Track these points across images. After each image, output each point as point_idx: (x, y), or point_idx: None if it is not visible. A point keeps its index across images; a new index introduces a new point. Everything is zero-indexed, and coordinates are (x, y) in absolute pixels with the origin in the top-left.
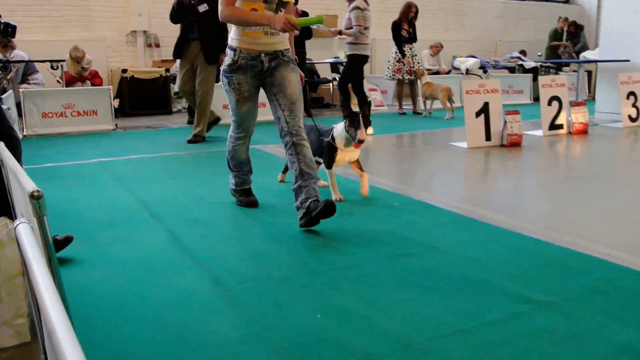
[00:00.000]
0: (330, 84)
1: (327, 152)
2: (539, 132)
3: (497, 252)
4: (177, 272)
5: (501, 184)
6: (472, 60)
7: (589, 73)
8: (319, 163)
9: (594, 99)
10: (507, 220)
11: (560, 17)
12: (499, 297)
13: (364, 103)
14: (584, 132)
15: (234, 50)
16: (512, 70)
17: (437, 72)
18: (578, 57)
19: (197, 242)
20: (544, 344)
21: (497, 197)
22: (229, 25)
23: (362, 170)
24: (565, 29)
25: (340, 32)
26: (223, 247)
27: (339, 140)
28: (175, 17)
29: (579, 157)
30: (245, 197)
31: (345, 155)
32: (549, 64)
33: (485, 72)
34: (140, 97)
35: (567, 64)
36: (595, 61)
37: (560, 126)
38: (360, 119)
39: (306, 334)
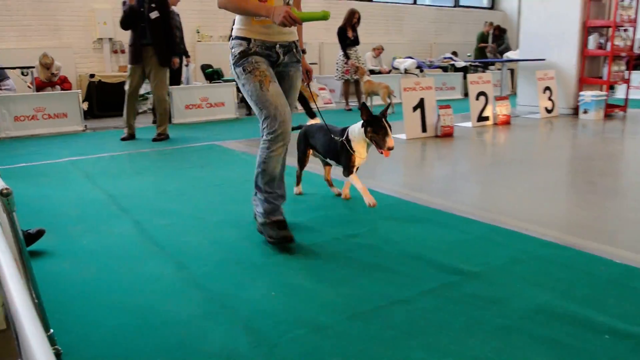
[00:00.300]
0: None
1: (345, 157)
2: (469, 124)
3: (432, 230)
4: (144, 259)
5: (436, 170)
6: (410, 60)
7: (512, 71)
8: (327, 164)
9: (515, 93)
10: (441, 202)
11: (486, 22)
12: (432, 270)
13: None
14: (507, 122)
15: (247, 39)
16: (445, 69)
17: (380, 72)
18: (502, 57)
19: (162, 231)
20: (470, 309)
21: (432, 181)
22: (232, 15)
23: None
24: (491, 32)
25: None
26: (186, 235)
27: (356, 144)
28: (126, 23)
29: (503, 145)
30: (277, 231)
31: (360, 159)
32: (477, 64)
33: (421, 71)
34: (107, 100)
35: (493, 63)
36: (516, 60)
37: (487, 118)
38: (386, 124)
39: (261, 309)
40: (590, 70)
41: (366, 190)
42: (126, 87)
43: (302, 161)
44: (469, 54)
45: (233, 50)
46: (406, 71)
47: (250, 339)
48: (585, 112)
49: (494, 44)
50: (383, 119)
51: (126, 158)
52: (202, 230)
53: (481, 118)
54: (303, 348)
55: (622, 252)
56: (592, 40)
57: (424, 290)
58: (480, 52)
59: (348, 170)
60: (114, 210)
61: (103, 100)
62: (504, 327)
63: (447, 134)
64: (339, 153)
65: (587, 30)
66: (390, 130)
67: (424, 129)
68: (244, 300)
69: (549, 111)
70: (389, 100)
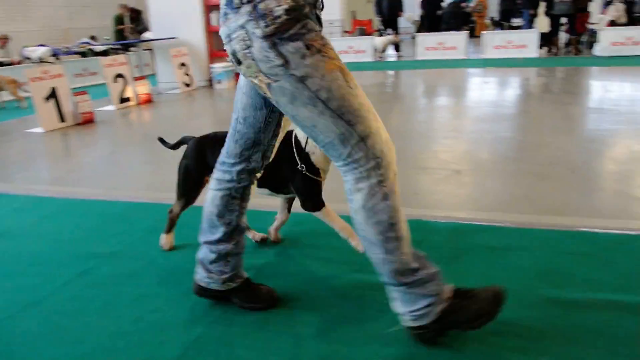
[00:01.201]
0: None
1: (306, 182)
2: (112, 107)
3: (66, 220)
4: None
5: (79, 158)
6: (43, 48)
7: (152, 50)
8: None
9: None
10: (81, 190)
11: (119, 4)
12: (68, 261)
13: None
14: (149, 101)
15: None
16: (84, 54)
17: (10, 63)
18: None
19: None
20: (108, 288)
21: (74, 171)
22: None
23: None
24: (127, 14)
25: None
26: None
27: (318, 157)
28: None
29: (146, 123)
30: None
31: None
32: (116, 46)
33: (58, 58)
34: None
35: (134, 44)
36: (150, 40)
37: (128, 99)
38: None
39: None
40: (218, 44)
41: (351, 229)
42: None
43: (191, 195)
44: (107, 37)
45: (268, 2)
46: (42, 60)
47: None
48: (219, 82)
49: (132, 25)
50: None
51: None
52: None
53: (123, 99)
54: None
55: None
56: (215, 17)
57: (60, 284)
58: (119, 35)
59: (314, 201)
60: None
61: None
62: (139, 296)
63: (87, 120)
64: (299, 181)
65: (208, 8)
66: None
67: (62, 119)
68: None
69: (187, 85)
70: (21, 94)
